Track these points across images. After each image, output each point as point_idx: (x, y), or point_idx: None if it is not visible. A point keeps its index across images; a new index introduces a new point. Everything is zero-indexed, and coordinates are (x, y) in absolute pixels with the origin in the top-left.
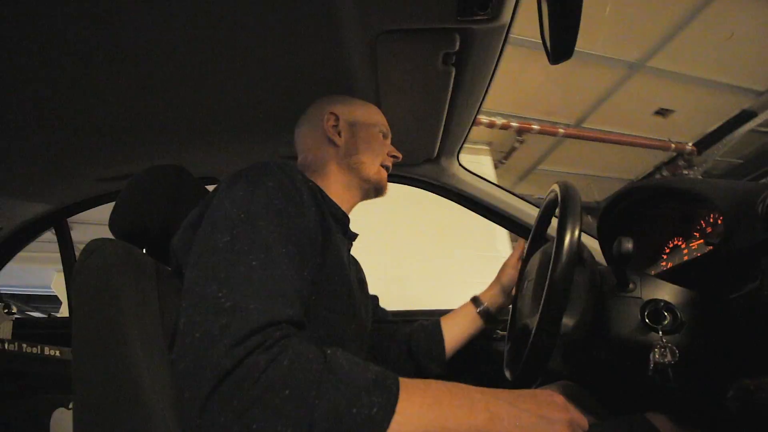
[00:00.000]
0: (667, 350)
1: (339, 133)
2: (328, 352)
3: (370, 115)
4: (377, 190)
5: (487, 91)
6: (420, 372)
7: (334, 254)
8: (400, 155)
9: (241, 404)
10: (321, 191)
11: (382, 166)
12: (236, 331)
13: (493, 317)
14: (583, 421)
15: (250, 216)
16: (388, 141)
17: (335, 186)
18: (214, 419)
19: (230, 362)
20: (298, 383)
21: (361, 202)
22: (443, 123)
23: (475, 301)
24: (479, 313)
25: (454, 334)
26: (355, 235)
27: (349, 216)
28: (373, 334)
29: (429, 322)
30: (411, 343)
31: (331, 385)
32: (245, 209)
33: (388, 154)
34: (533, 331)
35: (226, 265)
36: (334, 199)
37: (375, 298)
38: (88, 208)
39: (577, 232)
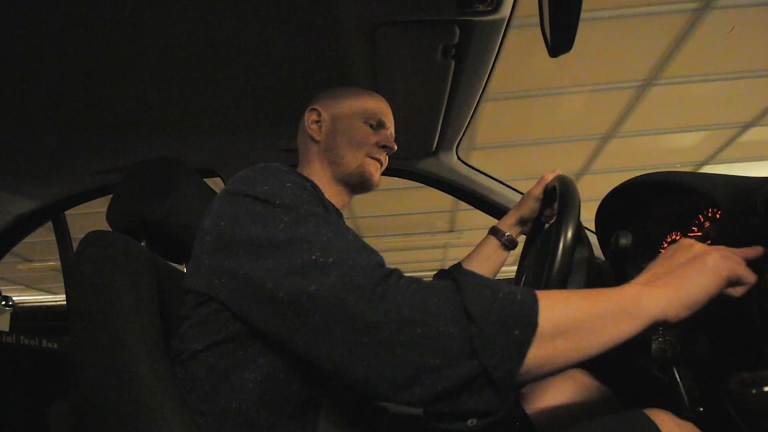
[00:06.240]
0: (667, 343)
1: (321, 129)
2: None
3: (358, 105)
4: (362, 185)
5: (486, 84)
6: None
7: None
8: (392, 146)
9: (404, 294)
10: (318, 188)
11: (372, 158)
12: (359, 266)
13: (515, 245)
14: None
15: (290, 206)
16: (383, 131)
17: (323, 182)
18: (387, 308)
19: (380, 272)
20: (442, 292)
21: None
22: (442, 117)
23: (495, 231)
24: (503, 242)
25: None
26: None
27: (343, 212)
28: None
29: (449, 268)
30: None
31: (471, 286)
32: (281, 201)
33: (377, 145)
34: None
35: (300, 244)
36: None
37: None
38: (86, 201)
39: (574, 229)
